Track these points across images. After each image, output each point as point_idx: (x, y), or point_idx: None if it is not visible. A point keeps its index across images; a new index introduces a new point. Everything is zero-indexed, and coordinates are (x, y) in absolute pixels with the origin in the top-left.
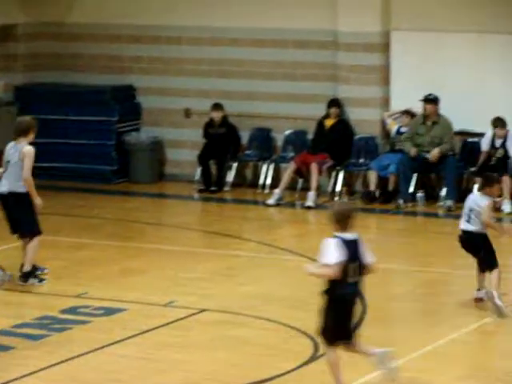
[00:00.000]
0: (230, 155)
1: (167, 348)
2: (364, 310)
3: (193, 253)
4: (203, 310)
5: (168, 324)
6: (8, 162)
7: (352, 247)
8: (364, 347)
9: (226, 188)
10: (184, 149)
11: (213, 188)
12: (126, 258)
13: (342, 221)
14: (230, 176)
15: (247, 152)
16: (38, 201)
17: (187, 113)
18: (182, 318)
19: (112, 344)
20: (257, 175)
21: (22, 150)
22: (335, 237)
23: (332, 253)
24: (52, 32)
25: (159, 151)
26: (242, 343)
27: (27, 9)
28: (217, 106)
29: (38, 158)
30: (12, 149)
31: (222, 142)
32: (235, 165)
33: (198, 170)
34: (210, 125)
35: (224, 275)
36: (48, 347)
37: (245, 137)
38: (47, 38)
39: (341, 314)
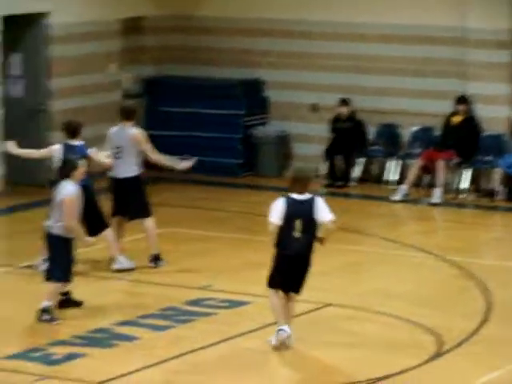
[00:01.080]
0: (356, 150)
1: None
2: (489, 308)
3: (317, 248)
4: (327, 305)
5: (294, 318)
6: (119, 147)
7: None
8: (289, 311)
9: (352, 183)
10: (311, 143)
11: (339, 183)
12: (251, 252)
13: (296, 184)
14: (357, 171)
15: (374, 147)
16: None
17: (315, 107)
18: (305, 313)
19: (236, 336)
20: (383, 171)
21: (132, 134)
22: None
23: (275, 211)
24: (181, 25)
25: (286, 145)
26: (365, 338)
27: (156, 2)
28: (344, 101)
29: (164, 150)
30: (118, 133)
31: (348, 137)
32: (362, 160)
33: (325, 165)
34: (336, 120)
35: (348, 270)
36: (172, 338)
37: (372, 132)
38: (176, 31)
39: (280, 265)
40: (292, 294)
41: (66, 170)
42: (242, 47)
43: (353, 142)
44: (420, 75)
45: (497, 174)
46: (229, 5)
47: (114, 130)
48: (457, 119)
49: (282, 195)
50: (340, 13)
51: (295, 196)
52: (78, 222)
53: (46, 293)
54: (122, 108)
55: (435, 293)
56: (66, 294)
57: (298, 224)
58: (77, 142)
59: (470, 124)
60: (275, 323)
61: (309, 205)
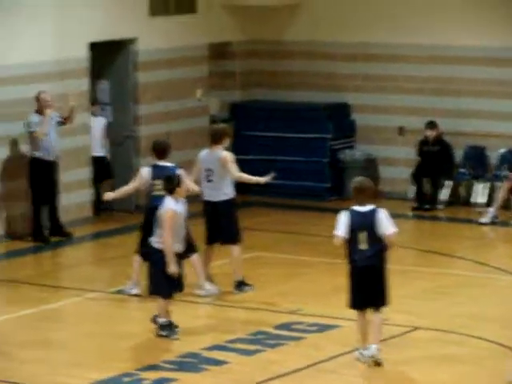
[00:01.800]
0: (443, 173)
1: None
2: None
3: (406, 271)
4: (416, 328)
5: (382, 341)
6: (209, 170)
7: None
8: (373, 327)
9: (440, 206)
10: (397, 166)
11: (426, 206)
12: (340, 276)
13: (358, 195)
14: (444, 194)
15: (461, 170)
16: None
17: (401, 130)
18: (395, 336)
19: (325, 361)
20: (470, 193)
21: (221, 157)
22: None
23: (339, 224)
24: (267, 50)
25: (373, 169)
26: (454, 361)
27: (243, 27)
28: (431, 124)
29: (252, 174)
30: (207, 156)
31: (435, 159)
32: (449, 183)
33: (412, 188)
34: (424, 143)
35: (437, 293)
36: (261, 362)
37: (459, 155)
38: (262, 56)
39: (353, 280)
40: (376, 310)
41: (170, 185)
42: (327, 71)
43: (440, 165)
44: (507, 97)
45: None
46: (314, 29)
47: (203, 153)
48: None
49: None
50: (428, 35)
51: (358, 208)
52: (176, 239)
53: (158, 309)
54: (211, 131)
55: None
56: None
57: (362, 236)
58: (167, 163)
59: None
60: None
61: (371, 216)
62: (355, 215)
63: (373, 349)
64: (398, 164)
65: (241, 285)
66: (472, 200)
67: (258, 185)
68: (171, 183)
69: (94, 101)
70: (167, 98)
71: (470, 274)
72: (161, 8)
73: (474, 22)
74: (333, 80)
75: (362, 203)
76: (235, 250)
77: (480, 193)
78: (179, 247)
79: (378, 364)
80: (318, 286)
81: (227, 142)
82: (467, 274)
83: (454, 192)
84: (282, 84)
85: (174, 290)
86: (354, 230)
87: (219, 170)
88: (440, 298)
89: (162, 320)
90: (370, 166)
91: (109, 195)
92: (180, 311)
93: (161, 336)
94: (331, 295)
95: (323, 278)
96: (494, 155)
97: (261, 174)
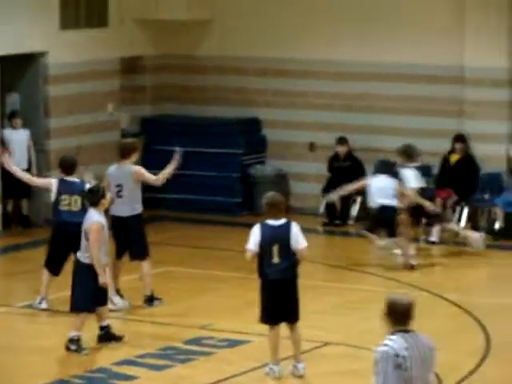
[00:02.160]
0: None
1: (290, 381)
2: (487, 346)
3: (315, 286)
4: (326, 344)
5: (291, 357)
6: (119, 185)
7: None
8: (295, 343)
9: (350, 221)
10: (308, 182)
11: (337, 221)
12: (251, 290)
13: (271, 209)
14: (355, 210)
15: None
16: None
17: (312, 146)
18: (305, 351)
19: (236, 376)
20: None
21: (133, 171)
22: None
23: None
24: (179, 64)
25: (284, 184)
26: (363, 377)
27: (154, 41)
28: (342, 140)
29: (163, 189)
30: (117, 172)
31: (346, 175)
32: (359, 199)
33: (323, 204)
34: (335, 158)
35: (347, 308)
36: (171, 377)
37: (369, 170)
38: (173, 71)
39: (264, 293)
40: (291, 325)
41: (95, 197)
42: (239, 86)
43: (351, 181)
44: (417, 114)
45: (499, 212)
46: (225, 44)
47: (112, 168)
48: (454, 158)
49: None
50: (336, 52)
51: (271, 222)
52: (103, 251)
53: (73, 323)
54: (120, 146)
55: (435, 331)
56: (104, 327)
57: (275, 249)
58: (75, 179)
59: (468, 162)
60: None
61: (285, 230)
62: (268, 229)
63: (301, 368)
64: (309, 179)
65: (151, 299)
66: None
67: (166, 200)
68: (96, 195)
69: (13, 113)
70: (78, 111)
71: (379, 290)
72: (71, 21)
73: (382, 40)
74: (244, 95)
75: (274, 217)
76: (144, 265)
77: None
78: (106, 260)
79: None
80: (229, 301)
81: (136, 156)
82: (377, 289)
83: (365, 207)
84: (194, 99)
85: (98, 304)
86: (266, 243)
87: (130, 185)
88: (350, 314)
89: (73, 334)
90: (280, 182)
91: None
92: (89, 325)
93: (71, 351)
94: (242, 310)
95: (234, 292)
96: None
97: (171, 188)
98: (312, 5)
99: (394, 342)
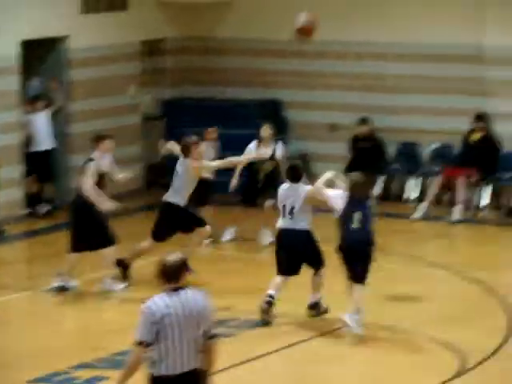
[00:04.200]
0: (376, 169)
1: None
2: (510, 325)
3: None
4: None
5: (316, 337)
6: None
7: None
8: None
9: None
10: (330, 163)
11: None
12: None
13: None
14: (377, 189)
15: (394, 166)
16: None
17: (333, 127)
18: (334, 330)
19: (259, 357)
20: (403, 189)
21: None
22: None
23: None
24: (199, 46)
25: (306, 165)
26: (386, 357)
27: (174, 24)
28: (363, 121)
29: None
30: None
31: (368, 155)
32: (382, 178)
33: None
34: (356, 139)
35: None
36: None
37: (391, 151)
38: (194, 53)
39: None
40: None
41: None
42: (258, 67)
43: (373, 161)
44: (438, 93)
45: None
46: (245, 26)
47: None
48: (475, 137)
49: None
50: (355, 32)
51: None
52: None
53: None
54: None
55: (458, 310)
56: None
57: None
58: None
59: (489, 141)
60: None
61: None
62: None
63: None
64: (331, 160)
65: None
66: (405, 195)
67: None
68: None
69: (36, 97)
70: (100, 95)
71: (403, 268)
72: (92, 5)
73: (400, 19)
74: (265, 77)
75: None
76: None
77: (412, 188)
78: None
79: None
80: (246, 283)
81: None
82: (400, 268)
83: (387, 187)
84: (215, 81)
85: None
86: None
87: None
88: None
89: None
90: (302, 163)
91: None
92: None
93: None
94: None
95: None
96: (425, 151)
97: None
98: None
99: (154, 302)
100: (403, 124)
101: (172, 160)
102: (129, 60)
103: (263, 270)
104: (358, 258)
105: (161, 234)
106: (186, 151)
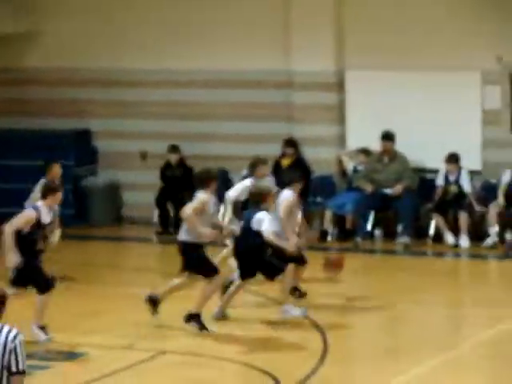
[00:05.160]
0: (187, 197)
1: None
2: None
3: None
4: (163, 352)
5: (129, 367)
6: None
7: None
8: None
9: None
10: (141, 191)
11: (171, 230)
12: (87, 302)
13: None
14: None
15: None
16: None
17: (143, 155)
18: (142, 361)
19: None
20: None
21: None
22: None
23: None
24: (5, 77)
25: (116, 194)
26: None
27: None
28: (174, 148)
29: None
30: None
31: (179, 183)
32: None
33: (156, 213)
34: (167, 167)
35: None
36: None
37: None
38: (1, 84)
39: None
40: None
41: None
42: (67, 97)
43: (183, 189)
44: (246, 119)
45: (328, 215)
46: (51, 55)
47: None
48: (286, 162)
49: None
50: (165, 60)
51: None
52: None
53: None
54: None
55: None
56: None
57: None
58: None
59: (299, 166)
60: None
61: None
62: None
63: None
64: (142, 189)
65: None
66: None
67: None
68: None
69: None
70: None
71: None
72: None
73: (208, 47)
74: (74, 106)
75: None
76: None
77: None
78: None
79: None
80: (63, 313)
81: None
82: None
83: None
84: (23, 111)
85: None
86: None
87: None
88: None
89: None
90: (113, 192)
91: None
92: None
93: None
94: (77, 322)
95: (68, 304)
96: (237, 177)
97: (7, 202)
98: (137, 17)
99: None
100: (214, 151)
101: None
102: None
103: None
104: None
105: None
106: None
